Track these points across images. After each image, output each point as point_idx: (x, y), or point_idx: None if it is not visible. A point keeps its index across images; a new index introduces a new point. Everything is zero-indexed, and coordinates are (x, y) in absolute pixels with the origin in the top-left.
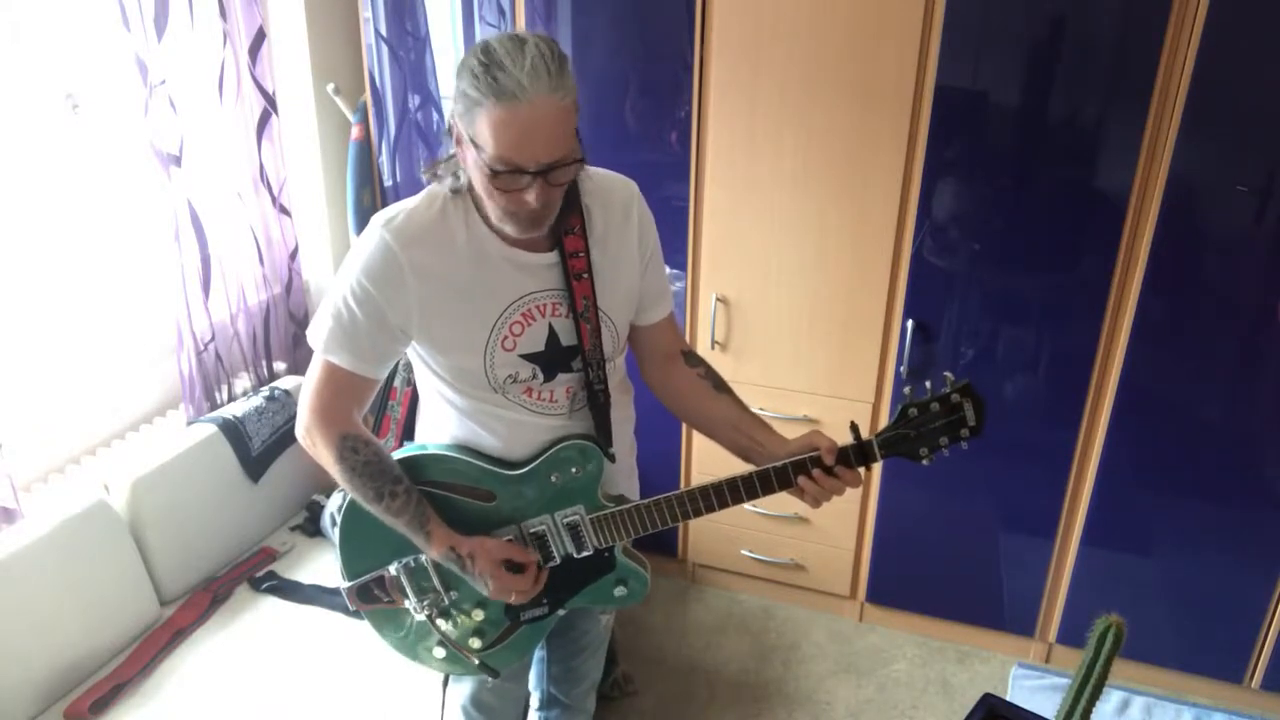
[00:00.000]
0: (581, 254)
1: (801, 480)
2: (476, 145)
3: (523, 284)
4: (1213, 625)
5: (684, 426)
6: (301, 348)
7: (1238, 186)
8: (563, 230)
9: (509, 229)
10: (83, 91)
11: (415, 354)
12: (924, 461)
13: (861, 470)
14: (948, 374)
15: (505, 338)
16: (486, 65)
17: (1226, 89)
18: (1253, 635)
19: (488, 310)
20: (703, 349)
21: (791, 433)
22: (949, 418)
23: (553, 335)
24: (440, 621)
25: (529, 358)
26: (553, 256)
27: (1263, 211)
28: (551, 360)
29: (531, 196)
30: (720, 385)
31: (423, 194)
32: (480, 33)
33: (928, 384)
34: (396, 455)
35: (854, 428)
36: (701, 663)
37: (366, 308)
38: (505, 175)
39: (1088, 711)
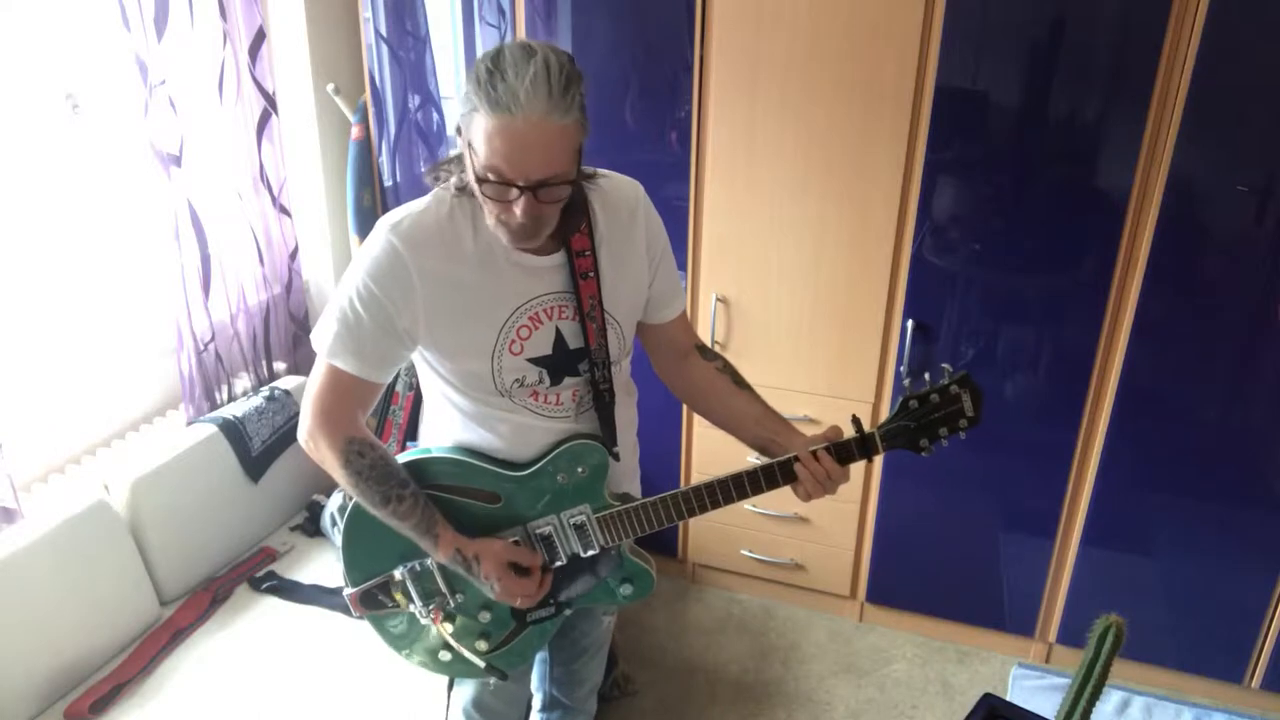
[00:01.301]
0: (588, 253)
1: (797, 466)
2: (472, 149)
3: (529, 287)
4: (1213, 625)
5: (683, 427)
6: (301, 348)
7: (1238, 186)
8: (569, 231)
9: (501, 236)
10: (83, 91)
11: (421, 357)
12: (924, 453)
13: (860, 463)
14: (945, 366)
15: (513, 342)
16: (491, 72)
17: (1226, 89)
18: (1253, 635)
19: (495, 314)
20: None
21: None
22: (948, 409)
23: (559, 338)
24: (446, 625)
25: (536, 361)
26: (559, 257)
27: (1263, 211)
28: (558, 363)
29: (518, 210)
30: (740, 380)
31: (430, 197)
32: (480, 33)
33: (926, 376)
34: (401, 458)
35: (856, 420)
36: (701, 663)
37: (373, 311)
38: (492, 185)
39: (1088, 711)
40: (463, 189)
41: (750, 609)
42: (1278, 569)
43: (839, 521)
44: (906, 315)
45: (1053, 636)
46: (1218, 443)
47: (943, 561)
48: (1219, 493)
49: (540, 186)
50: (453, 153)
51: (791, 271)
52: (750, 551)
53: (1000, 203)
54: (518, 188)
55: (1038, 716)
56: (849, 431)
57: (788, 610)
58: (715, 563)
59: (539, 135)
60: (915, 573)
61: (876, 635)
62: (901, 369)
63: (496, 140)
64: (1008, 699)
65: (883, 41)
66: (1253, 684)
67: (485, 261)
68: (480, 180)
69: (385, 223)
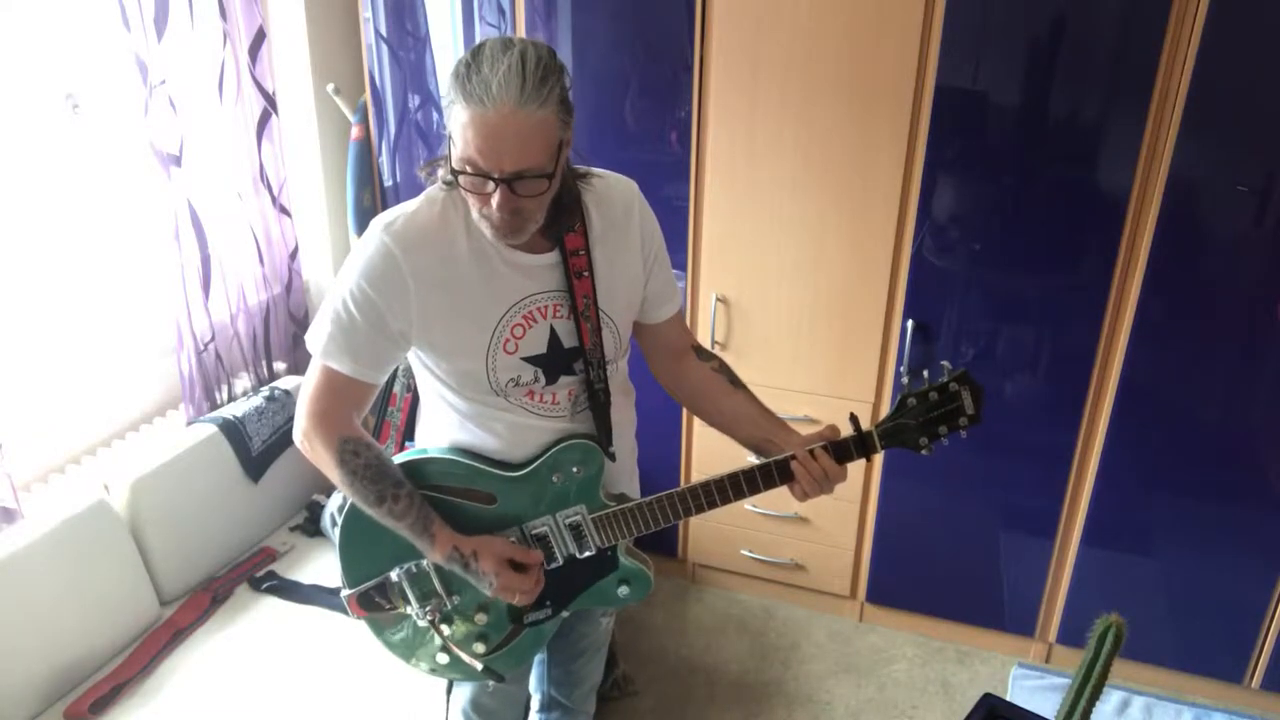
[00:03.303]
0: (582, 252)
1: (794, 465)
2: (452, 142)
3: (523, 286)
4: (1213, 625)
5: (683, 428)
6: (301, 348)
7: (1238, 186)
8: (563, 229)
9: (485, 230)
10: (83, 91)
11: (416, 358)
12: (924, 451)
13: (860, 463)
14: (945, 363)
15: (507, 341)
16: (468, 65)
17: (1226, 89)
18: (1253, 635)
19: (489, 314)
20: None
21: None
22: (947, 406)
23: (554, 337)
24: (443, 627)
25: (531, 360)
26: (553, 256)
27: (1263, 211)
28: (553, 362)
29: (494, 203)
30: (735, 381)
31: (422, 197)
32: (480, 33)
33: (925, 374)
34: (397, 459)
35: (854, 419)
36: (701, 663)
37: (366, 312)
38: (469, 178)
39: (1088, 711)
40: (450, 183)
41: (750, 609)
42: (1278, 569)
43: (839, 521)
44: (906, 315)
45: (1053, 636)
46: (1218, 443)
47: (943, 561)
48: (1219, 493)
49: (516, 179)
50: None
51: (791, 271)
52: (750, 551)
53: (1000, 203)
54: (493, 180)
55: (1038, 716)
56: (847, 430)
57: (788, 610)
58: (715, 563)
59: (512, 127)
60: (915, 573)
61: (876, 635)
62: (901, 369)
63: (470, 132)
64: (1008, 699)
65: (883, 41)
66: (1253, 684)
67: (478, 260)
68: (458, 172)
69: (378, 223)
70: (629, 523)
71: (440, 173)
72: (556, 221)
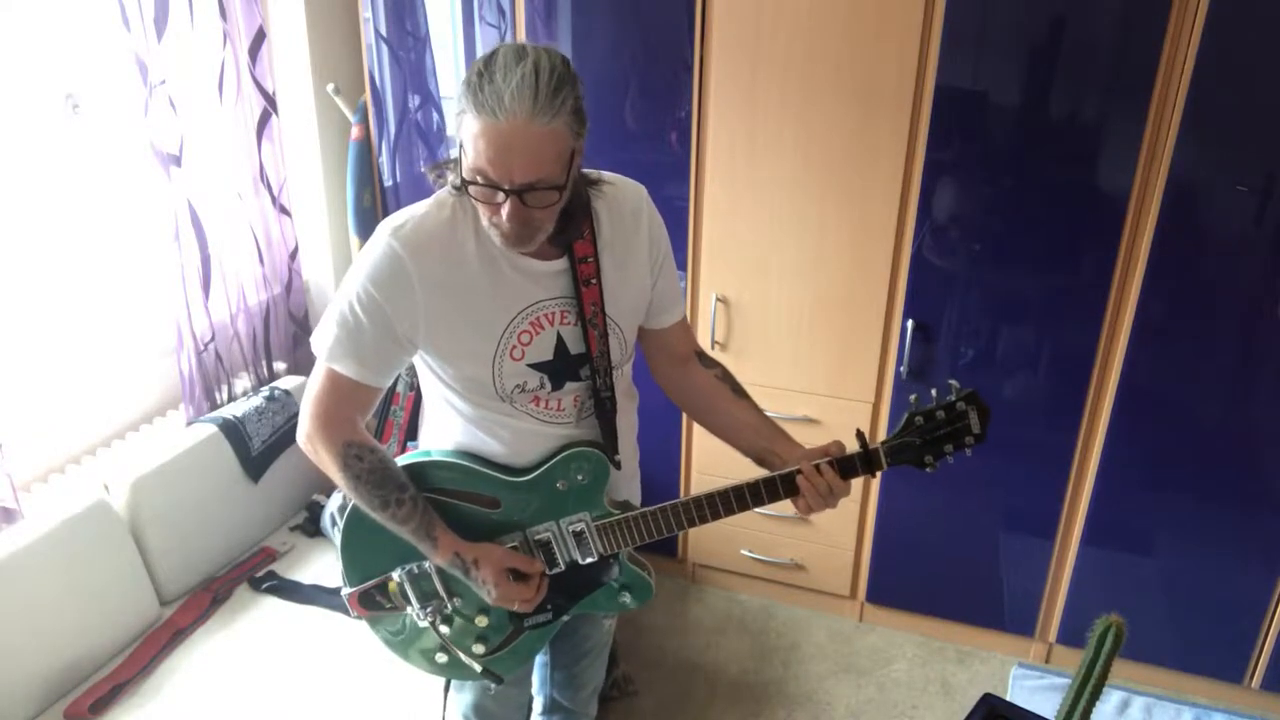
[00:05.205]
0: (590, 259)
1: (800, 480)
2: (463, 150)
3: (531, 292)
4: (1213, 625)
5: (683, 431)
6: (302, 348)
7: (1238, 186)
8: (571, 236)
9: (494, 238)
10: (83, 91)
11: (421, 361)
12: (929, 469)
13: (860, 480)
14: (953, 381)
15: (514, 347)
16: (481, 74)
17: (1226, 89)
18: (1253, 635)
19: (496, 320)
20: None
21: (790, 432)
22: (954, 425)
23: (561, 344)
24: (443, 627)
25: (537, 367)
26: (561, 263)
27: (1263, 211)
28: (559, 369)
29: (504, 214)
30: (738, 389)
31: (431, 200)
32: (480, 33)
33: (933, 392)
34: (401, 461)
35: (860, 435)
36: (701, 663)
37: (373, 316)
38: (479, 187)
39: (1088, 711)
40: (459, 189)
41: (750, 609)
42: (1278, 569)
43: (839, 521)
44: (906, 315)
45: (1053, 636)
46: (1218, 443)
47: (943, 561)
48: (1219, 493)
49: (527, 190)
50: (453, 151)
51: (791, 271)
52: (750, 551)
53: (1000, 203)
54: (503, 191)
55: (1038, 716)
56: (851, 445)
57: (788, 610)
58: (715, 563)
59: (523, 139)
60: (915, 573)
61: (876, 635)
62: (901, 369)
63: (481, 143)
64: (1008, 699)
65: (883, 42)
66: (1253, 684)
67: (487, 266)
68: (468, 182)
69: (386, 226)
70: (632, 531)
71: (449, 177)
72: (565, 229)
